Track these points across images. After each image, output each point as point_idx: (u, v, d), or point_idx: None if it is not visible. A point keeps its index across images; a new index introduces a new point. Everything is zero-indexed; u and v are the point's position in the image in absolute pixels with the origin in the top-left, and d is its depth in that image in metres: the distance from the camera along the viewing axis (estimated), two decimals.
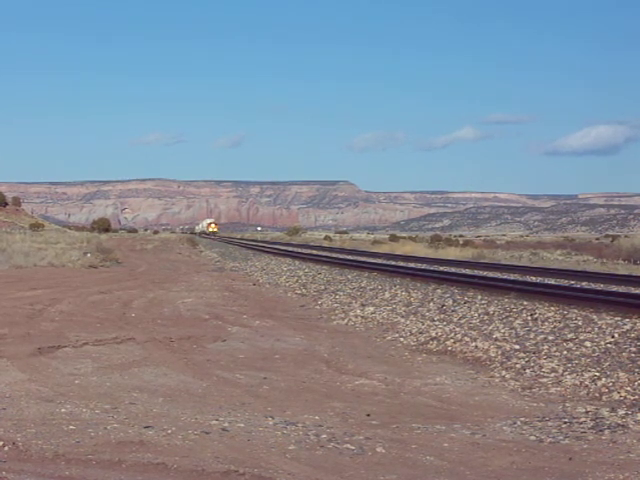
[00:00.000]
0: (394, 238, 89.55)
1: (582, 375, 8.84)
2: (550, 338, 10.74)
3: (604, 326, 10.88)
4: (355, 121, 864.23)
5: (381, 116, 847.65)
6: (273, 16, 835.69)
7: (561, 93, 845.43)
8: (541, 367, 9.42)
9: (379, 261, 31.92)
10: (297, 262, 31.46)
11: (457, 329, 12.32)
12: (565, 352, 9.93)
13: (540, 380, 8.93)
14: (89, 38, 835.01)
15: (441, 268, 25.89)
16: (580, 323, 11.33)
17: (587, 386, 8.47)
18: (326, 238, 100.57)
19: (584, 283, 18.95)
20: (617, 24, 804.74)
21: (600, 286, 17.98)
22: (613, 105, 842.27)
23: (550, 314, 12.25)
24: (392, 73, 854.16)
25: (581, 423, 6.95)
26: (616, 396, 7.99)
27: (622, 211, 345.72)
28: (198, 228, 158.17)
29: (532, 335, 11.09)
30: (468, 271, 24.63)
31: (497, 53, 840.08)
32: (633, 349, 9.54)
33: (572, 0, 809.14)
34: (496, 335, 11.47)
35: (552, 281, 19.76)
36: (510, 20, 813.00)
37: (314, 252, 43.38)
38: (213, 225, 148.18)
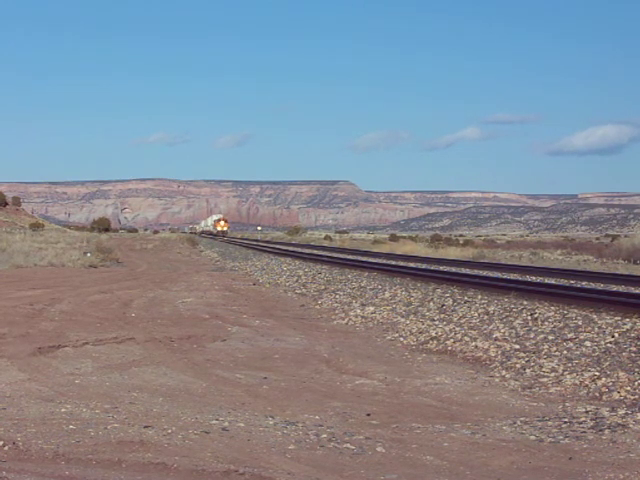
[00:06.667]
0: (394, 238, 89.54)
1: (582, 375, 8.84)
2: (550, 338, 10.74)
3: (604, 326, 10.88)
4: (358, 121, 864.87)
5: (384, 116, 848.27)
6: (277, 15, 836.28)
7: (565, 93, 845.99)
8: (541, 367, 9.42)
9: (379, 261, 31.92)
10: (297, 262, 31.46)
11: (457, 329, 12.32)
12: (565, 352, 9.92)
13: (540, 380, 8.93)
14: (89, 37, 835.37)
15: (441, 268, 25.89)
16: (580, 323, 11.33)
17: (587, 386, 8.47)
18: (326, 238, 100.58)
19: (584, 283, 18.95)
20: (622, 24, 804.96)
21: (600, 286, 17.98)
22: (617, 105, 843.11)
23: (550, 314, 12.25)
24: (396, 73, 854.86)
25: (581, 423, 6.95)
26: (616, 396, 7.99)
27: (622, 211, 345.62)
28: (200, 227, 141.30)
29: (532, 335, 11.09)
30: (468, 271, 24.63)
31: (501, 53, 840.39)
32: (633, 349, 9.53)
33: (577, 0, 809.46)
34: (496, 335, 11.47)
35: (552, 281, 19.76)
36: (514, 20, 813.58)
37: (314, 252, 43.39)
38: (222, 223, 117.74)
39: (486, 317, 12.88)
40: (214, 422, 6.71)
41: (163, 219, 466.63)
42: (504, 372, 9.49)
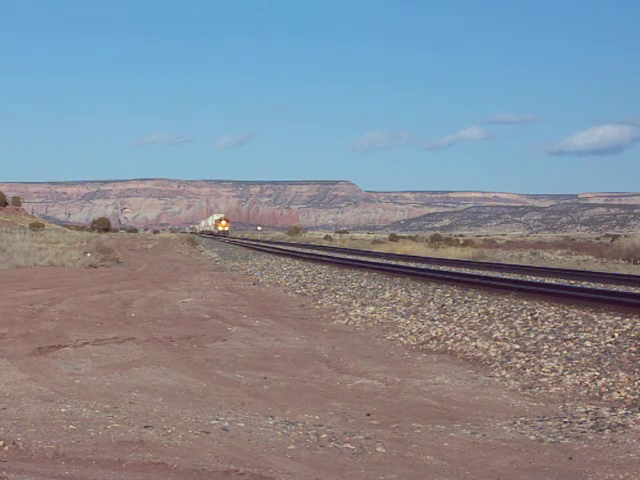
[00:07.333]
0: (394, 238, 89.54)
1: (582, 375, 8.84)
2: (550, 338, 10.74)
3: (604, 326, 10.88)
4: (358, 121, 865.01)
5: (384, 116, 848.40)
6: (279, 15, 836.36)
7: (565, 93, 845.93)
8: (541, 367, 9.42)
9: (379, 261, 31.91)
10: (297, 262, 31.45)
11: (457, 329, 12.32)
12: (565, 352, 9.93)
13: (540, 380, 8.93)
14: (90, 37, 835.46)
15: (441, 268, 25.88)
16: (580, 323, 11.33)
17: (587, 386, 8.47)
18: (326, 238, 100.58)
19: (584, 283, 18.95)
20: (623, 24, 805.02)
21: (600, 286, 17.98)
22: (617, 105, 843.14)
23: (550, 314, 12.25)
24: (396, 73, 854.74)
25: (581, 423, 6.95)
26: (616, 396, 7.99)
27: (622, 211, 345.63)
28: (200, 227, 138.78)
29: (532, 335, 11.09)
30: (468, 271, 24.62)
31: (502, 53, 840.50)
32: (633, 349, 9.53)
33: None
34: (496, 335, 11.47)
35: (552, 281, 19.76)
36: (515, 20, 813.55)
37: (314, 252, 43.38)
38: (224, 222, 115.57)
39: (486, 317, 12.88)
40: (214, 422, 6.71)
41: (163, 219, 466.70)
42: (504, 372, 9.49)
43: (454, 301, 14.94)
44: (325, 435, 6.46)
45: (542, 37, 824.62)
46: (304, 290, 20.34)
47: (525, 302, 13.69)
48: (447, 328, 12.46)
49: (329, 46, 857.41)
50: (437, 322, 13.13)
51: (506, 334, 11.42)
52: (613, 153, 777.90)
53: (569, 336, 10.63)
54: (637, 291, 15.94)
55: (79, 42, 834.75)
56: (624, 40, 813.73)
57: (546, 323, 11.69)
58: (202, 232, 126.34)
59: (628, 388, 8.17)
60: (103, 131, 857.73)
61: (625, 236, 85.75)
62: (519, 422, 7.10)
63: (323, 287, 20.31)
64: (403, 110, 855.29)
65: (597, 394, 8.16)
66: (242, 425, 6.66)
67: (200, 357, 10.37)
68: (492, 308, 13.50)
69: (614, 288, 17.21)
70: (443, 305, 14.70)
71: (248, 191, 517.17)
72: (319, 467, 5.55)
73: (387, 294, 17.26)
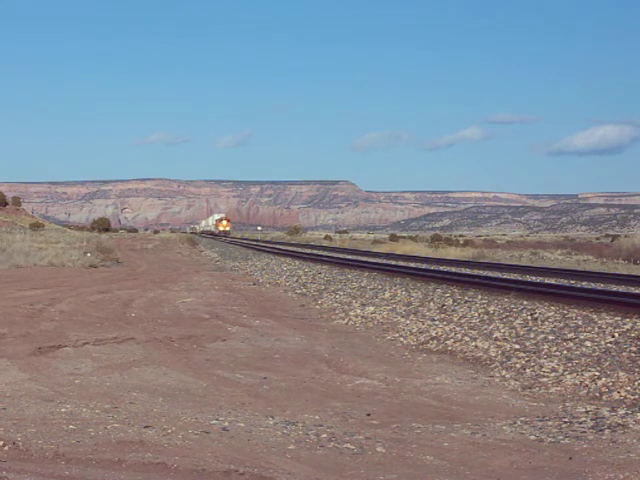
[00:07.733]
0: (394, 238, 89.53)
1: (582, 375, 8.84)
2: (550, 338, 10.74)
3: (604, 326, 10.88)
4: (358, 121, 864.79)
5: (384, 116, 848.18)
6: (277, 15, 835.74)
7: (565, 93, 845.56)
8: (541, 367, 9.42)
9: (379, 261, 31.91)
10: (297, 262, 31.45)
11: (457, 329, 12.32)
12: (565, 352, 9.93)
13: (540, 380, 8.93)
14: (90, 37, 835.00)
15: (441, 268, 25.88)
16: (580, 323, 11.33)
17: (587, 386, 8.47)
18: (326, 238, 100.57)
19: (584, 283, 18.95)
20: (623, 24, 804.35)
21: (600, 286, 17.97)
22: (617, 105, 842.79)
23: (550, 314, 12.25)
24: (396, 73, 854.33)
25: (581, 423, 6.95)
26: (616, 396, 7.99)
27: (622, 211, 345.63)
28: (201, 227, 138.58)
29: (532, 335, 11.09)
30: (468, 271, 24.62)
31: (502, 53, 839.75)
32: (633, 349, 9.53)
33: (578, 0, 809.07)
34: (496, 335, 11.47)
35: (552, 281, 19.75)
36: (515, 20, 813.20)
37: (314, 252, 43.37)
38: (225, 222, 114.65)
39: (486, 317, 12.88)
40: (214, 422, 6.71)
41: (163, 219, 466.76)
42: (504, 372, 9.49)
43: (454, 301, 14.94)
44: (325, 435, 6.46)
45: (542, 37, 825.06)
46: (304, 290, 20.34)
47: (525, 302, 13.69)
48: (447, 328, 12.46)
49: (329, 46, 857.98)
50: (437, 322, 13.13)
51: (506, 334, 11.42)
52: (613, 153, 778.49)
53: (569, 336, 10.63)
54: (637, 291, 15.94)
55: (79, 42, 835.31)
56: (624, 40, 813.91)
57: (546, 323, 11.69)
58: (202, 232, 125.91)
59: (628, 388, 8.17)
60: (103, 131, 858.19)
61: (625, 236, 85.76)
62: (519, 422, 7.10)
63: (323, 287, 20.30)
64: (403, 110, 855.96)
65: (597, 394, 8.15)
66: (242, 425, 6.66)
67: (200, 357, 10.37)
68: (492, 308, 13.50)
69: (614, 288, 17.21)
70: (443, 305, 14.70)
71: (248, 191, 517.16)
72: (319, 467, 5.55)
73: (387, 294, 17.25)
